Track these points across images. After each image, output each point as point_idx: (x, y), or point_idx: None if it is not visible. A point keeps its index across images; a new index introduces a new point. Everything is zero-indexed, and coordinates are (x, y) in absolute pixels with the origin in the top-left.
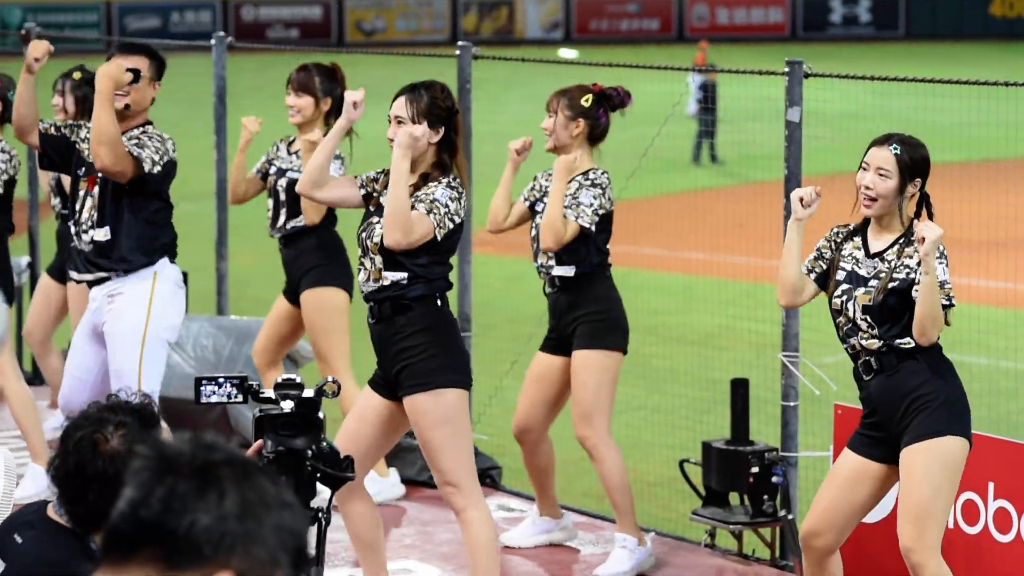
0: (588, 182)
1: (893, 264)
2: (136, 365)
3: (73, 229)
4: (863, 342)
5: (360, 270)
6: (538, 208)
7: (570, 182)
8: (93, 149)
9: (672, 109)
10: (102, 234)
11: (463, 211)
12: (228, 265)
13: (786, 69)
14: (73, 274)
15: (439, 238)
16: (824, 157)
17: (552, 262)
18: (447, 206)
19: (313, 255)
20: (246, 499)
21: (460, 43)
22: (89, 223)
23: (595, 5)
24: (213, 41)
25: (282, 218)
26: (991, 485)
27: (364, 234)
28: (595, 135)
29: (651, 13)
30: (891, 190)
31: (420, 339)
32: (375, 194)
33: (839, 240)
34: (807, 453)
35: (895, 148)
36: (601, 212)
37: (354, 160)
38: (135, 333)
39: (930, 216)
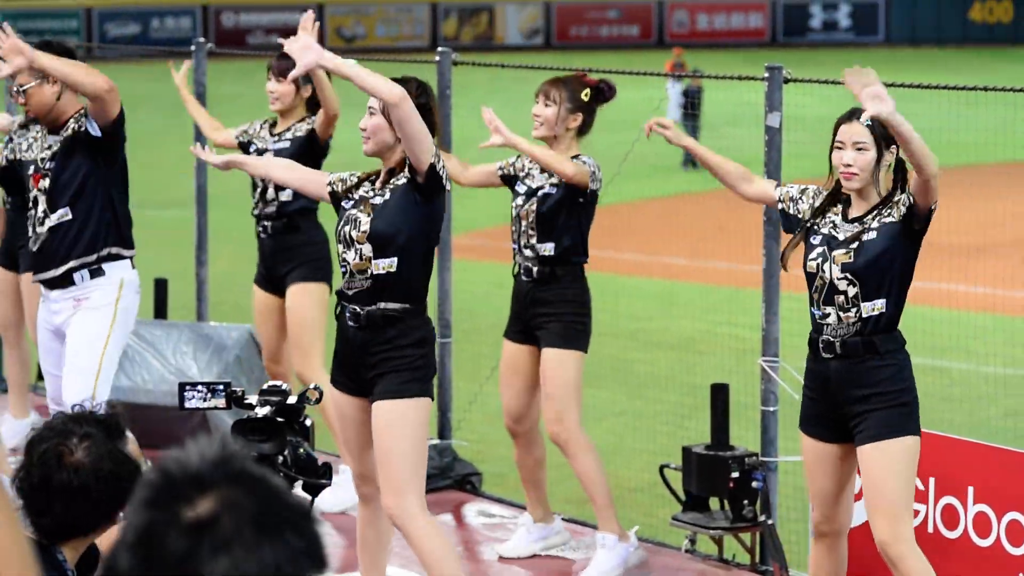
0: (581, 160)
1: (872, 226)
2: (96, 367)
3: (30, 232)
4: (838, 313)
5: (344, 269)
6: (519, 189)
7: None
8: (82, 90)
9: (652, 115)
10: (57, 217)
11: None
12: (208, 271)
13: (766, 75)
14: (35, 275)
15: (438, 168)
16: (803, 163)
17: (534, 240)
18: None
19: (300, 250)
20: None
21: (440, 49)
22: (43, 215)
23: (575, 11)
24: (193, 47)
25: (271, 191)
26: (971, 489)
27: (348, 227)
28: (585, 129)
29: (631, 19)
30: (870, 162)
31: (407, 352)
32: (340, 192)
33: (818, 203)
34: (787, 458)
35: (866, 120)
36: (599, 182)
37: (332, 167)
38: (99, 338)
39: (904, 180)
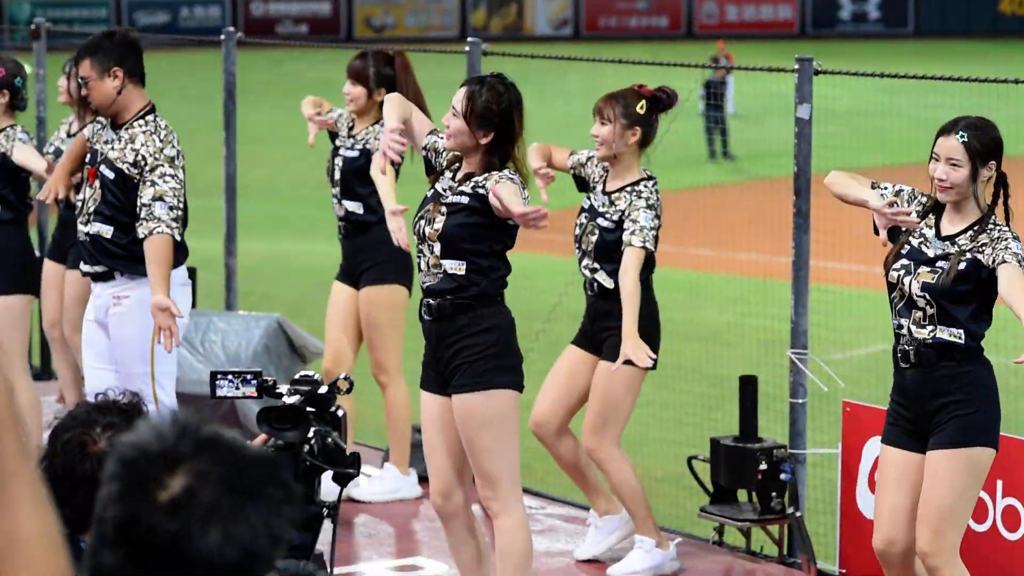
0: (643, 202)
1: (964, 248)
2: (149, 371)
3: (78, 219)
4: (912, 326)
5: (419, 262)
6: (584, 204)
7: (619, 191)
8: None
9: (682, 106)
10: (96, 229)
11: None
12: (237, 261)
13: (796, 66)
14: (82, 266)
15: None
16: (834, 154)
17: (597, 266)
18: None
19: (374, 251)
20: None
21: (469, 40)
22: (87, 216)
23: (604, 2)
24: (223, 37)
25: (336, 198)
26: (999, 483)
27: (422, 221)
28: (647, 141)
29: (660, 10)
30: (964, 179)
31: (480, 339)
32: (435, 163)
33: (918, 210)
34: (815, 450)
35: (962, 136)
36: (656, 231)
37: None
38: (144, 341)
39: (1007, 198)
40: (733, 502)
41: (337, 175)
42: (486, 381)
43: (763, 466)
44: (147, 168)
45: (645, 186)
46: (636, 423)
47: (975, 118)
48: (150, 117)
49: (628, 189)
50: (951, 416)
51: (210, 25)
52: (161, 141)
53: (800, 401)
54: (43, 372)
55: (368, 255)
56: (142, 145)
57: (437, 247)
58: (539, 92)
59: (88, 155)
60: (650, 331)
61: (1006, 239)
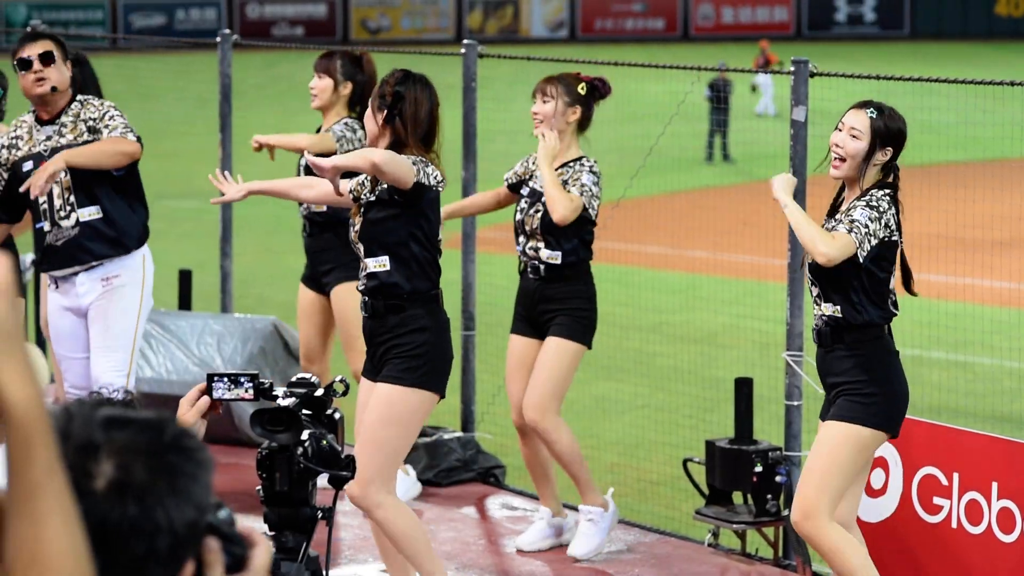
0: (586, 168)
1: (829, 227)
2: (131, 342)
3: (47, 226)
4: (813, 308)
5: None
6: (523, 191)
7: (562, 167)
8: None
9: (677, 108)
10: (88, 213)
11: (434, 176)
12: (232, 263)
13: (792, 68)
14: (56, 272)
15: (422, 180)
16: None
17: (541, 245)
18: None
19: (339, 251)
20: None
21: (465, 41)
22: (67, 208)
23: (600, 4)
24: (218, 39)
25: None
26: (995, 485)
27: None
28: (585, 123)
29: (656, 12)
30: (860, 151)
31: (410, 338)
32: (359, 196)
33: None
34: None
35: (871, 112)
36: (598, 200)
37: None
38: (133, 313)
39: (895, 188)
40: (728, 504)
41: (302, 172)
42: (405, 379)
43: (758, 468)
44: (100, 122)
45: (586, 161)
46: (631, 425)
47: (889, 106)
48: (79, 97)
49: (570, 164)
50: (839, 394)
51: (206, 27)
52: (98, 105)
53: (795, 403)
54: None
55: (333, 254)
56: (89, 114)
57: (360, 248)
58: None
59: (31, 160)
60: (594, 316)
61: (857, 206)
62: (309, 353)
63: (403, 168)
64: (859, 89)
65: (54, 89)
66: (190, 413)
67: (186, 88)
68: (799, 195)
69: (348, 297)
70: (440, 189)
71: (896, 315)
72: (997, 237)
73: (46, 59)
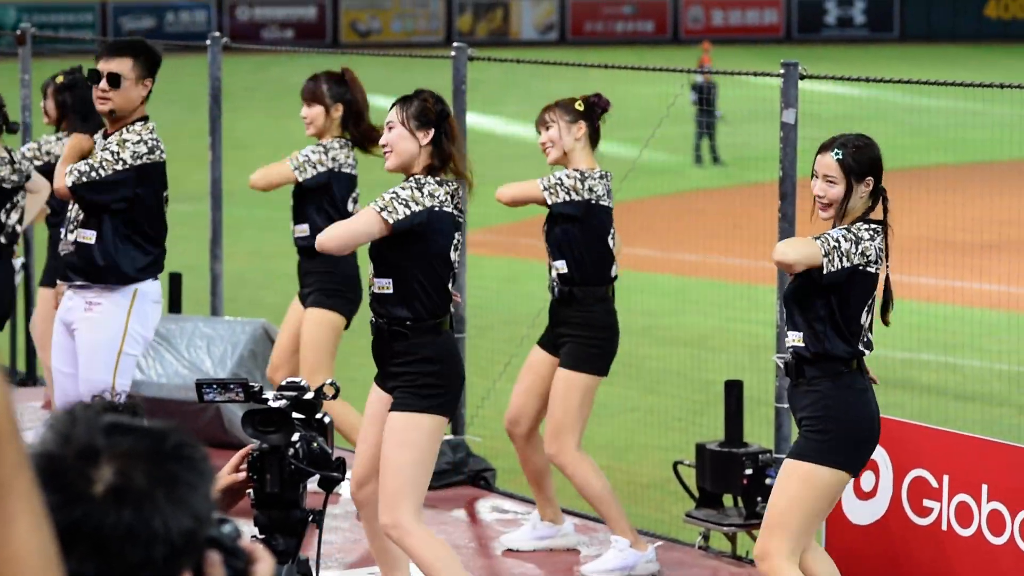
0: (577, 173)
1: None
2: (110, 379)
3: (61, 233)
4: (786, 336)
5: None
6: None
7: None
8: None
9: (667, 111)
10: (84, 236)
11: (424, 201)
12: (223, 266)
13: (781, 71)
14: (67, 283)
15: (390, 222)
16: None
17: (552, 259)
18: (396, 194)
19: (319, 276)
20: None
21: (455, 44)
22: (75, 222)
23: (590, 7)
24: (208, 41)
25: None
26: (984, 487)
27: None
28: (595, 138)
29: (646, 15)
30: (839, 194)
31: (417, 367)
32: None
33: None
34: None
35: (836, 153)
36: (573, 194)
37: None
38: (110, 349)
39: (885, 212)
40: (719, 507)
41: (291, 199)
42: (414, 404)
43: (749, 471)
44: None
45: (585, 170)
46: (622, 428)
47: (853, 136)
48: (144, 123)
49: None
50: (802, 430)
51: (196, 30)
52: (128, 138)
53: (785, 406)
54: (28, 378)
55: (314, 278)
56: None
57: (370, 267)
58: (525, 97)
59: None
60: (609, 347)
61: (837, 228)
62: (277, 360)
63: (357, 234)
64: (849, 91)
65: (112, 112)
66: (226, 477)
67: (175, 91)
68: (788, 198)
69: (316, 327)
70: (446, 210)
71: (866, 354)
72: (987, 239)
73: (113, 82)
